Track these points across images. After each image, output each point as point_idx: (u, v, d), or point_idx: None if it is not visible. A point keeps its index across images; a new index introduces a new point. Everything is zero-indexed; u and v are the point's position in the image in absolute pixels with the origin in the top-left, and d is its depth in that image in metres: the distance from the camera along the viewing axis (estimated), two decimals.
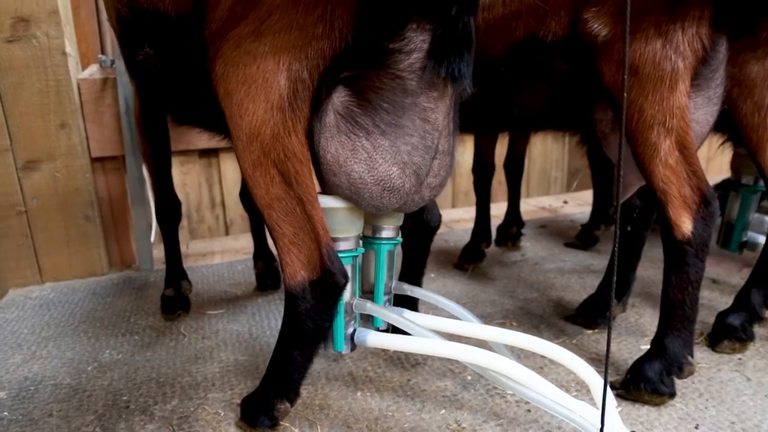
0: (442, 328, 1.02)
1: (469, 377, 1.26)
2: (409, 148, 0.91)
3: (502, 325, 1.51)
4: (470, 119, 1.08)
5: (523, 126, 1.30)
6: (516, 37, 1.05)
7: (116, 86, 1.82)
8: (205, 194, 2.46)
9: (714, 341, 1.34)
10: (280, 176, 0.89)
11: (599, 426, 0.87)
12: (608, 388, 0.94)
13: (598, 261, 1.95)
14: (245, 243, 2.31)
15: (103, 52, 2.07)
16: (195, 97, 1.15)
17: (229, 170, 2.43)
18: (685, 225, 1.02)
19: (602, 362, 1.30)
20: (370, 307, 1.01)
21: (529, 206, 2.83)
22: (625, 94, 0.72)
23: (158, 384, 1.26)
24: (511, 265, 1.96)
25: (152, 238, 1.97)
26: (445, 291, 1.75)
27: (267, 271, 1.75)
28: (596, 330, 1.44)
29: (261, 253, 1.75)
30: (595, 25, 0.97)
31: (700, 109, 1.04)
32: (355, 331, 1.01)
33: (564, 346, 1.38)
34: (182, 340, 1.46)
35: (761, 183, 1.50)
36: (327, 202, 0.95)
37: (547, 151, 3.18)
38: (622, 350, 1.36)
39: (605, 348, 1.37)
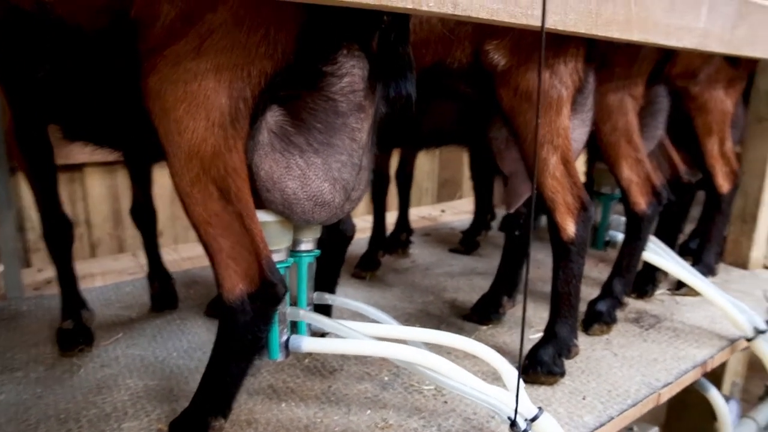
0: (368, 331, 1.09)
1: (386, 378, 1.34)
2: (339, 165, 0.97)
3: None
4: (384, 137, 1.17)
5: (430, 142, 1.43)
6: (425, 63, 1.16)
7: None
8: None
9: (586, 326, 1.56)
10: (219, 192, 0.91)
11: (514, 407, 1.00)
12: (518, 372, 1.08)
13: (481, 264, 2.15)
14: (128, 263, 2.17)
15: None
16: (100, 112, 1.10)
17: (96, 187, 2.27)
18: (570, 228, 1.21)
19: (500, 353, 1.45)
20: (303, 314, 1.04)
21: (411, 216, 2.99)
22: (537, 121, 0.85)
23: (59, 421, 1.16)
24: (404, 272, 2.08)
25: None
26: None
27: (164, 291, 1.68)
28: (490, 325, 1.61)
29: (157, 273, 1.68)
30: (495, 56, 1.12)
31: (577, 130, 1.24)
32: (288, 338, 1.04)
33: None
34: (78, 372, 1.35)
35: (618, 191, 1.78)
36: (260, 216, 0.98)
37: (420, 164, 3.39)
38: (515, 341, 1.53)
39: (500, 340, 1.53)
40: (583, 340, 1.53)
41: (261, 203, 0.98)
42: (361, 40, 0.93)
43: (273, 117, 0.92)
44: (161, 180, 1.67)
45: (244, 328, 0.96)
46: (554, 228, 1.22)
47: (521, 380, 1.03)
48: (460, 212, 3.08)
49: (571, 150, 1.17)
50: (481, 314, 1.60)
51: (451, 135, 1.33)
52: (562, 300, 1.26)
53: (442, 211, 3.08)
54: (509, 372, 1.07)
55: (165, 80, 0.86)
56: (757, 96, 1.96)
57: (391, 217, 2.44)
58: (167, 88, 0.86)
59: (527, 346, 1.48)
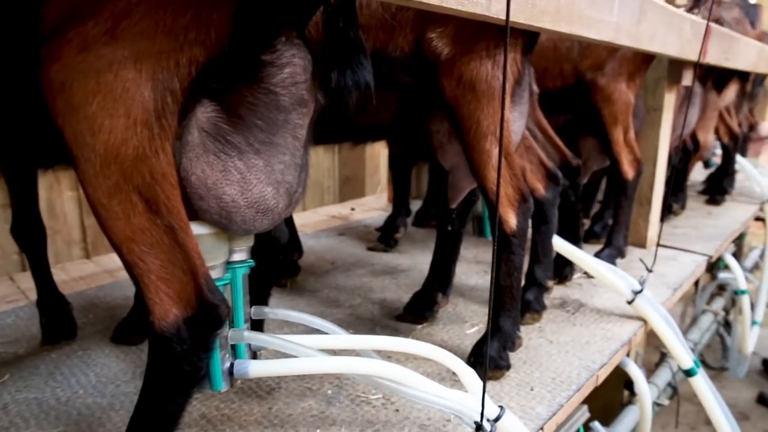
0: (316, 345, 1.00)
1: (329, 391, 1.25)
2: (283, 167, 0.87)
3: None
4: (318, 131, 1.08)
5: (366, 136, 1.35)
6: None
7: None
8: None
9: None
10: (144, 203, 0.77)
11: (478, 410, 0.96)
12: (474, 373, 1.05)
13: (404, 260, 2.12)
14: (5, 289, 1.87)
15: None
16: None
17: None
18: (511, 220, 1.19)
19: None
20: (248, 336, 0.93)
21: (319, 216, 2.91)
22: (501, 129, 0.81)
23: None
24: (325, 275, 1.99)
25: None
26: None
27: (58, 318, 1.45)
28: (425, 324, 1.57)
29: (49, 298, 1.45)
30: (439, 45, 1.07)
31: (516, 122, 1.23)
32: (232, 364, 0.92)
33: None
34: None
35: None
36: (194, 228, 0.85)
37: (319, 161, 3.30)
38: (452, 337, 1.50)
39: (438, 339, 1.50)
40: None
41: (194, 213, 0.84)
42: (299, 25, 0.84)
43: (204, 113, 0.80)
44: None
45: (181, 359, 0.83)
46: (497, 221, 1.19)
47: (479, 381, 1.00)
48: (370, 209, 3.03)
49: (512, 142, 1.16)
50: (416, 313, 1.56)
51: (390, 128, 1.26)
52: (504, 293, 1.25)
53: (352, 209, 3.02)
54: (468, 374, 1.03)
55: (72, 70, 0.71)
56: (645, 88, 2.11)
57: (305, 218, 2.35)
58: (75, 80, 0.71)
59: (465, 342, 1.47)
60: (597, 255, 1.97)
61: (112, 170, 0.74)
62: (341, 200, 3.38)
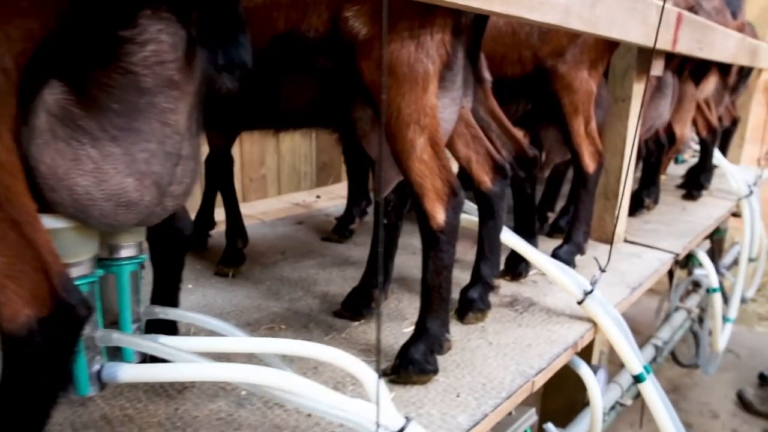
0: (206, 348, 0.92)
1: (243, 392, 1.17)
2: (147, 156, 0.78)
3: (271, 330, 1.46)
4: (230, 118, 1.00)
5: (287, 124, 1.25)
6: (278, 29, 0.99)
7: None
8: None
9: (461, 315, 1.50)
10: None
11: (381, 421, 0.88)
12: (381, 379, 0.97)
13: (356, 252, 2.04)
14: None
15: None
16: None
17: None
18: (439, 215, 1.11)
19: (372, 352, 1.35)
20: (117, 338, 0.85)
21: (283, 203, 2.82)
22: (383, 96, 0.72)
23: None
24: (272, 266, 1.91)
25: None
26: (205, 303, 1.61)
27: None
28: (363, 321, 1.49)
29: None
30: (356, 24, 0.98)
31: (447, 109, 1.14)
32: (102, 367, 0.85)
33: (334, 342, 1.41)
34: None
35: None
36: (47, 222, 0.76)
37: (296, 147, 3.20)
38: (387, 336, 1.43)
39: (373, 337, 1.43)
40: (458, 330, 1.47)
41: (48, 206, 0.76)
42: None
43: (52, 96, 0.71)
44: None
45: (37, 364, 0.75)
46: (423, 216, 1.11)
47: (385, 387, 0.92)
48: (336, 197, 2.94)
49: (439, 131, 1.07)
50: (353, 309, 1.49)
51: (311, 115, 1.17)
52: (432, 292, 1.17)
53: (318, 197, 2.93)
54: (370, 380, 0.95)
55: None
56: (614, 77, 2.01)
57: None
58: None
59: (400, 341, 1.39)
60: (556, 251, 1.89)
61: None
62: (317, 187, 3.29)
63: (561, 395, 2.33)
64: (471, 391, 1.19)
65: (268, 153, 3.15)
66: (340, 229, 2.16)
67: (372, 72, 1.01)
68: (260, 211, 2.63)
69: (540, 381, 1.31)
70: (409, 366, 1.18)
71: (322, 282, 1.77)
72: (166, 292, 1.14)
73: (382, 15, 0.98)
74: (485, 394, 1.19)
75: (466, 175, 1.59)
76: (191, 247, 1.99)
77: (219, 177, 1.82)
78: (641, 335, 4.09)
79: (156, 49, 0.72)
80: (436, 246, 1.13)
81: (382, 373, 1.24)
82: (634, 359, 1.52)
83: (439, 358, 1.29)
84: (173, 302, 1.17)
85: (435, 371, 1.21)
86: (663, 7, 1.36)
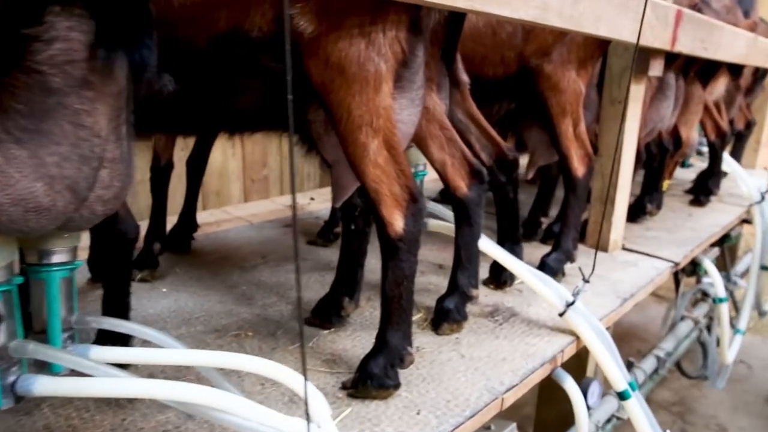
0: (138, 360, 0.88)
1: None
2: (57, 159, 0.73)
3: (237, 337, 1.41)
4: (175, 120, 0.95)
5: (235, 127, 1.20)
6: (219, 29, 0.94)
7: None
8: None
9: (436, 325, 1.44)
10: None
11: None
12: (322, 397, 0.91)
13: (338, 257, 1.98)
14: None
15: None
16: None
17: None
18: (398, 222, 1.05)
19: (338, 363, 1.29)
20: (33, 349, 0.81)
21: (276, 205, 2.78)
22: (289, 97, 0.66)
23: None
24: (251, 270, 1.86)
25: None
26: (176, 308, 1.57)
27: None
28: (332, 330, 1.44)
29: None
30: (301, 21, 0.92)
31: (405, 110, 1.08)
32: (17, 379, 0.80)
33: (299, 351, 1.35)
34: None
35: (421, 168, 1.66)
36: None
37: (299, 147, 3.15)
38: (356, 346, 1.37)
39: (340, 346, 1.37)
40: (431, 341, 1.40)
41: None
42: None
43: None
44: None
45: None
46: (380, 223, 1.05)
47: (324, 402, 0.86)
48: (329, 199, 2.89)
49: (396, 133, 1.01)
50: (323, 317, 1.43)
51: (263, 119, 1.12)
52: (392, 304, 1.11)
53: (312, 199, 2.88)
54: (313, 398, 0.90)
55: None
56: (609, 78, 1.93)
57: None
58: None
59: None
60: (544, 259, 1.82)
61: None
62: (321, 187, 3.25)
63: (555, 406, 2.25)
64: (433, 408, 1.13)
65: (271, 154, 3.11)
66: (325, 233, 2.11)
67: (320, 72, 0.95)
68: (251, 213, 2.60)
69: (510, 398, 1.24)
70: (368, 380, 1.12)
71: None
72: (114, 299, 1.10)
73: (329, 11, 0.93)
74: (448, 412, 1.12)
75: (487, 170, 1.52)
76: (174, 249, 1.96)
77: (160, 179, 1.77)
78: (649, 344, 3.99)
79: (65, 48, 0.68)
80: (395, 255, 1.07)
81: (343, 387, 1.19)
82: (618, 375, 1.44)
83: (405, 372, 1.23)
84: (122, 309, 1.13)
85: (396, 386, 1.15)
86: (646, 2, 1.28)
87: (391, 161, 1.02)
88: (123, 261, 1.06)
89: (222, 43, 0.94)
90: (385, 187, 1.02)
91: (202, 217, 2.41)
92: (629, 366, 2.36)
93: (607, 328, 1.59)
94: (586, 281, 1.46)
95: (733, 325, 3.03)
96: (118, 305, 1.12)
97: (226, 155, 2.97)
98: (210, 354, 0.90)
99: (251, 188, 3.10)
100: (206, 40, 0.93)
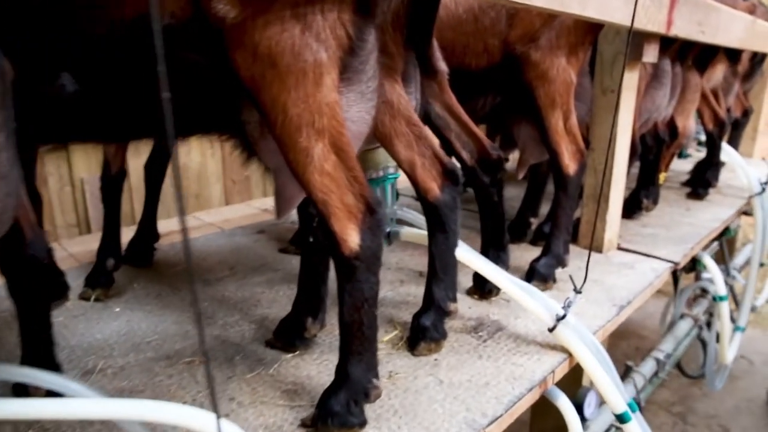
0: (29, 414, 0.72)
1: None
2: None
3: (190, 364, 1.26)
4: (80, 127, 0.80)
5: (157, 133, 1.03)
6: (124, 16, 0.78)
7: None
8: None
9: (412, 345, 1.29)
10: None
11: None
12: None
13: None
14: None
15: None
16: None
17: None
18: (352, 238, 0.89)
19: (300, 393, 1.14)
20: None
21: (251, 209, 2.63)
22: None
23: None
24: (216, 283, 1.71)
25: None
26: (127, 330, 1.42)
27: None
28: (296, 353, 1.29)
29: None
30: (220, 6, 0.76)
31: (354, 106, 0.92)
32: None
33: (259, 379, 1.20)
34: None
35: (392, 170, 1.50)
36: None
37: None
38: (322, 373, 1.22)
39: (304, 373, 1.22)
40: (407, 364, 1.26)
41: None
42: None
43: None
44: None
45: None
46: (332, 239, 0.90)
47: None
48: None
49: (344, 134, 0.86)
50: (285, 340, 1.28)
51: (189, 122, 0.95)
52: (352, 332, 0.96)
53: None
54: None
55: None
56: (601, 65, 1.78)
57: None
58: None
59: None
60: (533, 264, 1.67)
61: None
62: None
63: (550, 417, 2.11)
64: None
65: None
66: (298, 241, 1.95)
67: (248, 65, 0.79)
68: (223, 219, 2.44)
69: (494, 431, 1.09)
70: (328, 419, 0.97)
71: (265, 303, 1.57)
72: (31, 334, 0.94)
73: None
74: None
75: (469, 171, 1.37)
76: (133, 263, 1.81)
77: (112, 189, 1.61)
78: (647, 341, 3.85)
79: None
80: (352, 276, 0.92)
81: (301, 424, 1.04)
82: (616, 396, 1.29)
83: (377, 404, 1.09)
84: (42, 344, 0.97)
85: (361, 424, 1.00)
86: None
87: (341, 167, 0.86)
88: (35, 290, 0.91)
89: (130, 33, 0.78)
90: (335, 198, 0.87)
91: (169, 224, 2.25)
92: (627, 371, 2.22)
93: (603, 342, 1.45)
94: (578, 292, 1.31)
95: (733, 320, 2.89)
96: (36, 341, 0.96)
97: (205, 156, 2.81)
98: (114, 403, 0.74)
99: (232, 190, 2.94)
100: (110, 31, 0.77)
